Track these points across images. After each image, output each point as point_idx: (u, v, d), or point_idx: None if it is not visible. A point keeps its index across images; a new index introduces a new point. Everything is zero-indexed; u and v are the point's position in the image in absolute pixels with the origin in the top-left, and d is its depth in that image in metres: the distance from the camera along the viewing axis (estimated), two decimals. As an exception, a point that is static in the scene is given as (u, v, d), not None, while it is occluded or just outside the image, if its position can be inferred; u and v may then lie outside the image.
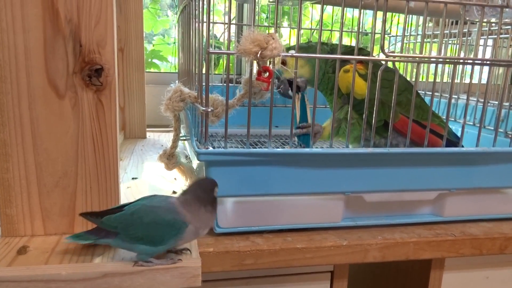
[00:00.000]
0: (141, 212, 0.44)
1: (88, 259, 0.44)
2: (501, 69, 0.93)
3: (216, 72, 1.35)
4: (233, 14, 1.28)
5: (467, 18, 0.65)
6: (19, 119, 0.47)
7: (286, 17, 1.38)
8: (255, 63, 0.50)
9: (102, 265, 0.43)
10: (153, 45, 1.54)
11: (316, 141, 0.77)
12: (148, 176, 0.75)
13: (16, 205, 0.49)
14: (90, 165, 0.49)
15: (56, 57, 0.46)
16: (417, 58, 0.60)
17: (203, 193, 0.46)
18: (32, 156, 0.48)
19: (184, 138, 0.63)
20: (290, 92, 0.71)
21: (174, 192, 0.67)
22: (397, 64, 0.58)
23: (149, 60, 1.48)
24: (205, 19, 0.51)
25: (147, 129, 1.12)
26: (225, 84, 0.51)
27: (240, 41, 0.48)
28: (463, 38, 0.96)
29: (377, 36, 0.85)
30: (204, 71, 0.53)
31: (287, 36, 1.11)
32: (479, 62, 0.60)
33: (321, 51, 0.66)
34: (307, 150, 0.54)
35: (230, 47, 0.54)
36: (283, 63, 0.67)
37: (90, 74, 0.47)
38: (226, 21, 1.01)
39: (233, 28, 1.21)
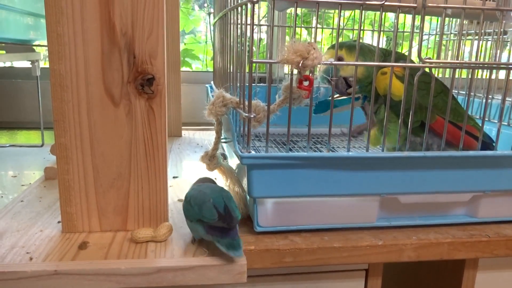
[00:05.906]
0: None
1: (142, 254, 0.48)
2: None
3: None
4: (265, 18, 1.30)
5: (504, 22, 0.65)
6: (78, 125, 0.51)
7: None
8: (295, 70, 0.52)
9: (157, 261, 0.47)
10: (185, 44, 1.58)
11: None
12: (188, 175, 0.79)
13: (75, 204, 0.53)
14: (141, 167, 0.53)
15: (112, 68, 0.50)
16: (453, 64, 0.61)
17: None
18: (90, 159, 0.52)
19: (225, 140, 0.67)
20: (346, 90, 0.73)
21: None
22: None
23: (182, 59, 1.52)
24: (248, 30, 0.53)
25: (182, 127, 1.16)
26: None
27: (282, 51, 0.51)
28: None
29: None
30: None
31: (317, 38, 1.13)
32: (516, 66, 0.61)
33: (371, 54, 0.68)
34: (345, 154, 0.57)
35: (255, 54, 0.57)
36: (340, 59, 0.69)
37: (143, 83, 0.51)
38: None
39: (264, 30, 1.23)
